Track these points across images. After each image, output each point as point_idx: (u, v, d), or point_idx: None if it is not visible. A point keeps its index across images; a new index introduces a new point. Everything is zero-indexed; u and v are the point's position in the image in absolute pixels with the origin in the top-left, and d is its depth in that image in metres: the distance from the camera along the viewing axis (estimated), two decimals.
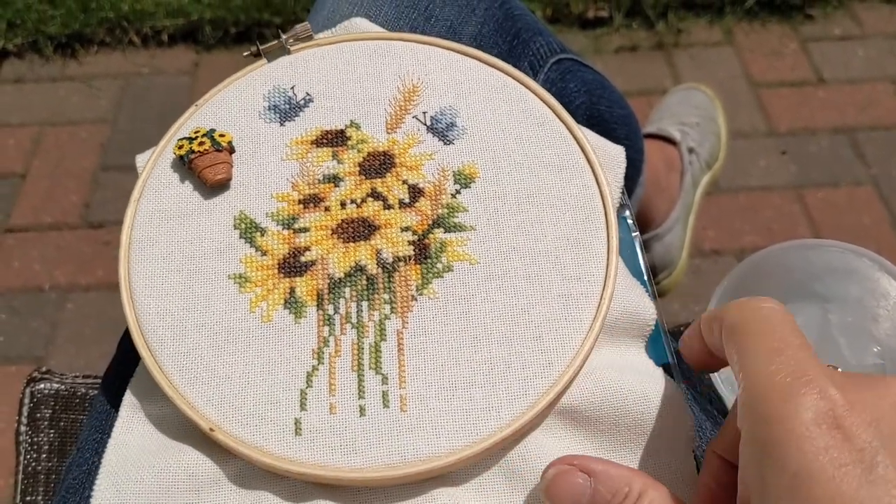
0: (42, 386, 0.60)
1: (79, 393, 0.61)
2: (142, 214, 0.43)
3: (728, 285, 0.48)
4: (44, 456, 0.59)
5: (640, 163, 0.84)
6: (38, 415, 0.60)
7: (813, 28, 1.54)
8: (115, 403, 0.43)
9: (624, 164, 0.46)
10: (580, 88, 0.60)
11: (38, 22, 1.52)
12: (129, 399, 0.40)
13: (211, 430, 0.37)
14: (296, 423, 0.37)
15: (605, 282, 0.40)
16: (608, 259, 0.41)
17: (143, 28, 1.53)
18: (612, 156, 0.46)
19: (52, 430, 0.60)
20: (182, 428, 0.39)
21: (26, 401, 0.60)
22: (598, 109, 0.64)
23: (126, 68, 1.52)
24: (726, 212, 1.28)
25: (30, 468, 0.59)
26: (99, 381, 0.62)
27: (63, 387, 0.61)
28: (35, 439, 0.59)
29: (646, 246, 1.10)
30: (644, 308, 0.41)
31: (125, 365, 0.44)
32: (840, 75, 1.46)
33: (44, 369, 0.62)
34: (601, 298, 0.40)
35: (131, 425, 0.39)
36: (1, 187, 1.36)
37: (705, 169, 1.15)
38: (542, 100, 0.46)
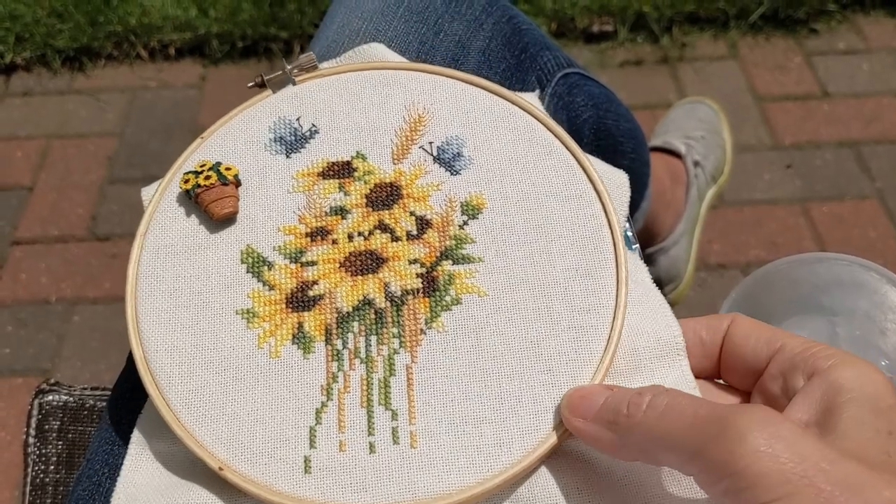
0: (50, 397, 0.61)
1: (87, 405, 0.61)
2: (148, 249, 0.42)
3: (736, 297, 0.48)
4: (52, 468, 0.59)
5: (646, 176, 0.84)
6: (47, 426, 0.60)
7: (817, 42, 1.55)
8: (125, 415, 0.44)
9: (628, 191, 0.46)
10: (587, 102, 0.61)
11: (46, 35, 1.53)
12: (137, 436, 0.40)
13: (220, 468, 0.36)
14: (305, 461, 0.37)
15: (614, 313, 0.40)
16: (618, 290, 0.40)
17: (150, 42, 1.55)
18: (617, 182, 0.46)
19: (60, 442, 0.60)
20: (190, 466, 0.39)
21: (34, 412, 0.60)
22: (605, 123, 0.64)
23: (133, 82, 1.53)
24: (732, 225, 1.29)
25: (37, 480, 0.59)
26: (107, 393, 0.63)
27: (71, 399, 0.61)
28: (43, 451, 0.59)
29: (652, 259, 1.10)
30: (668, 327, 0.40)
31: (135, 376, 0.45)
32: (845, 89, 1.46)
33: (52, 381, 0.62)
34: (612, 330, 0.39)
35: (139, 463, 0.39)
36: (8, 199, 1.36)
37: (711, 182, 1.15)
38: (548, 128, 0.45)
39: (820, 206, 1.31)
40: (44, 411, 0.60)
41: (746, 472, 0.28)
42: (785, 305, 0.49)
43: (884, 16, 1.58)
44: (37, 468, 0.59)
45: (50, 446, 0.59)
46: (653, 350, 0.39)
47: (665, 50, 1.53)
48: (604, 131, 0.63)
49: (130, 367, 0.46)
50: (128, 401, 0.44)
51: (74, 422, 0.60)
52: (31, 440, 0.59)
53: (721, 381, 0.39)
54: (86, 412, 0.61)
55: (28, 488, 0.58)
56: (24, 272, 1.28)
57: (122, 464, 0.43)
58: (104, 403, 0.62)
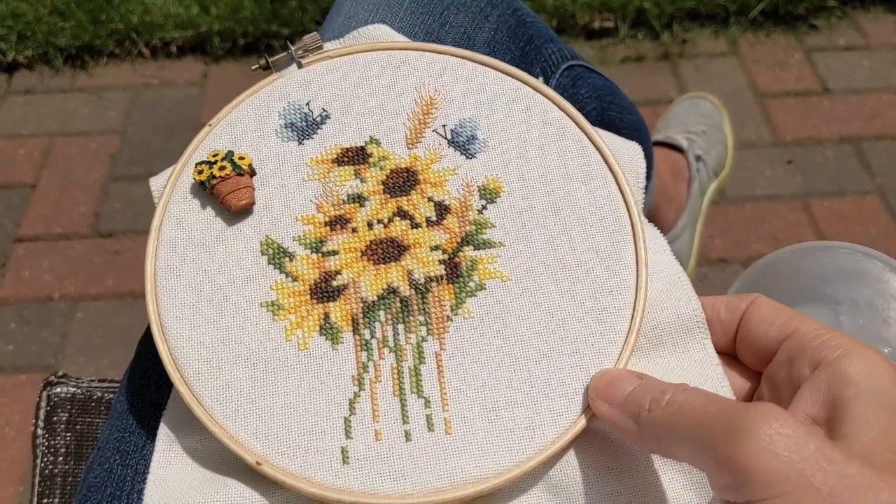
0: (58, 389, 0.61)
1: (95, 396, 0.61)
2: (164, 243, 0.42)
3: (740, 287, 0.48)
4: (60, 459, 0.60)
5: (649, 169, 0.85)
6: (55, 418, 0.60)
7: (817, 39, 1.55)
8: (137, 402, 0.44)
9: (643, 163, 0.46)
10: (591, 94, 0.61)
11: (48, 34, 1.53)
12: (164, 432, 0.40)
13: (258, 463, 0.37)
14: (342, 452, 0.37)
15: (636, 293, 0.40)
16: (637, 270, 0.41)
17: (152, 40, 1.55)
18: (631, 156, 0.46)
19: (68, 434, 0.60)
20: (222, 460, 0.39)
21: (43, 404, 0.60)
22: (609, 115, 0.64)
23: (135, 80, 1.54)
24: (733, 221, 1.29)
25: (46, 471, 0.59)
26: (115, 384, 0.63)
27: (79, 390, 0.61)
28: (52, 442, 0.60)
29: None
30: (688, 302, 0.40)
31: (146, 363, 0.45)
32: (845, 86, 1.47)
33: (60, 373, 0.62)
34: (634, 310, 0.40)
35: (168, 459, 0.39)
36: (11, 197, 1.37)
37: (712, 177, 1.16)
38: (560, 108, 0.45)
39: (821, 202, 1.31)
40: (52, 403, 0.60)
41: (748, 469, 0.28)
42: (788, 295, 0.49)
43: (883, 12, 1.58)
44: (45, 459, 0.59)
45: (58, 438, 0.60)
46: (673, 325, 0.40)
47: (666, 46, 1.53)
48: (608, 123, 0.64)
49: (140, 355, 0.46)
50: (138, 387, 0.45)
51: (82, 413, 0.61)
52: (39, 431, 0.60)
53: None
54: (93, 404, 0.61)
55: (37, 479, 0.59)
56: (27, 270, 1.28)
57: (133, 451, 0.43)
58: (112, 395, 0.62)
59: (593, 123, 0.60)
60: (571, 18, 1.54)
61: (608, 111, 0.64)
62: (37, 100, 1.51)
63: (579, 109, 0.59)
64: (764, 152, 1.38)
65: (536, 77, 0.57)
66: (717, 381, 0.38)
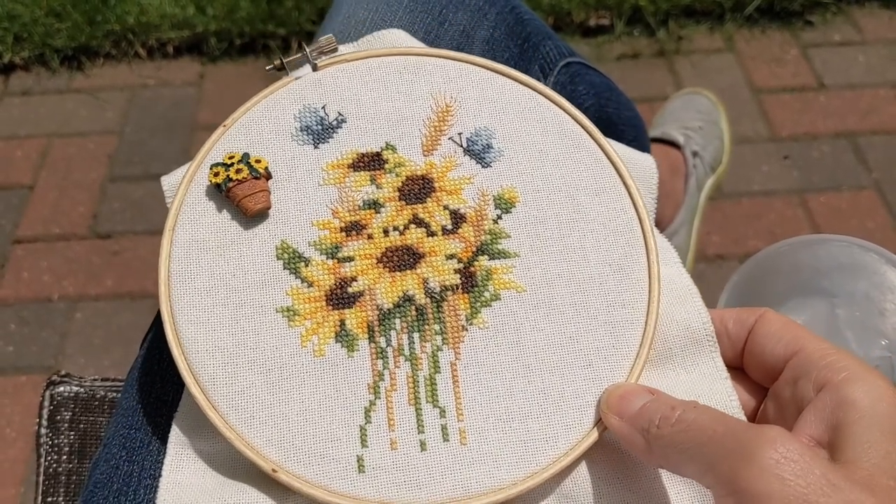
0: (62, 389, 0.61)
1: (98, 395, 0.61)
2: (179, 245, 0.41)
3: (738, 281, 0.49)
4: (64, 457, 0.60)
5: None
6: (59, 417, 0.60)
7: (813, 34, 1.55)
8: (143, 399, 0.44)
9: (656, 175, 0.46)
10: (589, 91, 0.61)
11: (44, 35, 1.54)
12: (175, 436, 0.40)
13: (273, 471, 0.37)
14: (358, 461, 0.37)
15: (648, 307, 0.41)
16: (650, 284, 0.41)
17: (148, 40, 1.55)
18: (644, 168, 0.46)
19: (72, 432, 0.60)
20: (236, 464, 0.39)
21: (46, 403, 0.61)
22: (607, 112, 0.65)
23: (132, 80, 1.54)
24: (730, 217, 1.29)
25: (50, 469, 0.59)
26: (118, 383, 0.63)
27: (82, 390, 0.61)
28: (55, 441, 0.60)
29: None
30: (698, 315, 0.40)
31: (151, 360, 0.45)
32: (841, 81, 1.47)
33: (63, 372, 0.62)
34: (646, 324, 0.40)
35: (181, 463, 0.39)
36: (9, 199, 1.37)
37: (709, 172, 1.16)
38: (576, 121, 0.45)
39: (817, 197, 1.31)
40: (55, 402, 0.61)
41: (750, 491, 0.28)
42: (786, 288, 0.50)
43: (878, 7, 1.59)
44: (49, 458, 0.59)
45: (62, 436, 0.60)
46: (683, 338, 0.40)
47: (662, 43, 1.54)
48: (605, 120, 0.64)
49: (147, 354, 0.47)
50: (144, 384, 0.45)
51: (86, 412, 0.61)
52: (42, 430, 0.60)
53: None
54: (97, 403, 0.61)
55: (41, 478, 0.59)
56: (25, 271, 1.28)
57: (139, 447, 0.43)
58: (115, 394, 0.63)
59: (591, 120, 0.61)
60: (568, 16, 1.55)
61: (605, 108, 0.64)
62: (34, 101, 1.51)
63: (577, 106, 0.60)
64: (760, 148, 1.38)
65: (535, 75, 0.57)
66: (725, 395, 0.38)
